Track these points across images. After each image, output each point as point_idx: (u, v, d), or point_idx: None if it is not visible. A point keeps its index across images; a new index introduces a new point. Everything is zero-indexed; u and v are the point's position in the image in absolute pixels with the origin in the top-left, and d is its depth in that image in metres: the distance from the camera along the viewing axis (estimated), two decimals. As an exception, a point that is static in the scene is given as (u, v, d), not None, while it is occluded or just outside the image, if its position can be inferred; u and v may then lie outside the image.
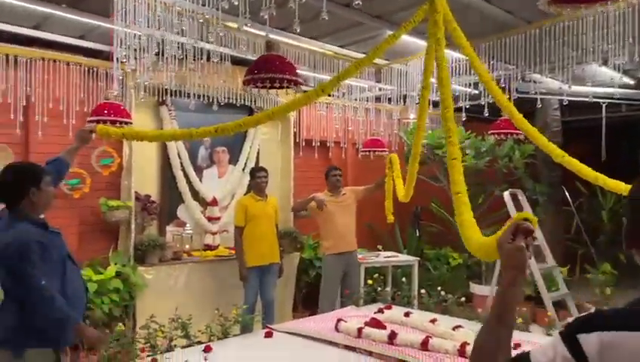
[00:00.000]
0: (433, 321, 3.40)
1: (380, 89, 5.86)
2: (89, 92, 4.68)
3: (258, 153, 5.97)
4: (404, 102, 5.79)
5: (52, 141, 4.35)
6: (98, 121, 3.15)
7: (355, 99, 6.13)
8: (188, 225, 5.42)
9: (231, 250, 5.49)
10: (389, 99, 6.00)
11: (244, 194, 5.40)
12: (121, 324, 3.17)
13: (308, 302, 6.03)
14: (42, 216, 2.46)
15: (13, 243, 2.19)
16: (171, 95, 4.79)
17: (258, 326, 4.31)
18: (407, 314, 3.60)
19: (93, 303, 4.34)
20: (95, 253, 4.82)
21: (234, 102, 5.13)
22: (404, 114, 6.31)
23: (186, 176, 5.45)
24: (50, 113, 4.48)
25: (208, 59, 4.03)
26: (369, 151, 5.76)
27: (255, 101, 5.42)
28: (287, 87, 2.83)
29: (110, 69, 4.23)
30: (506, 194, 5.45)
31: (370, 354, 2.99)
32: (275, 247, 4.96)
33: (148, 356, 2.91)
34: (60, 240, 2.37)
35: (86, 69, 4.68)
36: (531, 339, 3.14)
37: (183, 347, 3.34)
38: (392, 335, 3.08)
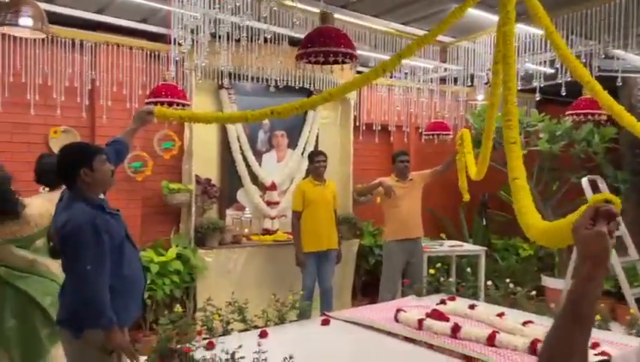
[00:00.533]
0: (500, 315, 3.22)
1: (445, 69, 5.62)
2: (151, 76, 4.78)
3: (317, 137, 5.91)
4: (472, 82, 5.51)
5: (116, 125, 4.48)
6: (156, 103, 3.19)
7: (419, 81, 5.91)
8: (247, 209, 5.46)
9: (289, 235, 5.48)
10: (455, 80, 5.74)
11: (303, 179, 5.38)
12: (179, 306, 3.22)
13: (367, 290, 5.94)
14: (102, 197, 2.50)
15: (67, 223, 2.22)
16: (230, 78, 4.80)
17: (316, 314, 4.29)
18: (472, 307, 3.43)
19: (155, 284, 4.47)
20: (157, 234, 4.96)
21: (292, 84, 5.08)
22: (472, 95, 6.03)
23: (245, 160, 5.48)
24: (114, 97, 4.62)
25: (265, 40, 3.99)
26: (433, 134, 5.55)
27: (314, 83, 5.34)
28: (343, 62, 2.70)
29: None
30: (585, 181, 5.09)
31: (430, 347, 2.87)
32: (334, 233, 4.90)
33: (204, 339, 2.94)
34: (118, 221, 2.39)
35: (148, 52, 4.77)
36: (611, 339, 2.91)
37: (240, 331, 3.37)
38: (455, 328, 2.94)
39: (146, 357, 2.74)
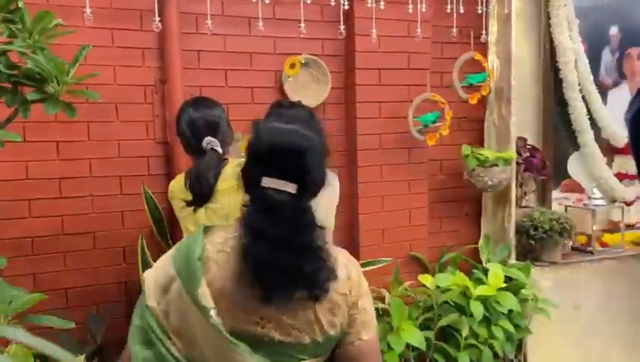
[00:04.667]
0: None
1: None
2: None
3: (703, 57, 3.57)
4: None
5: (389, 48, 2.65)
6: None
7: None
8: (594, 189, 3.36)
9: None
10: None
11: None
12: None
13: None
14: None
15: None
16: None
17: None
18: None
19: (476, 338, 2.67)
20: (447, 239, 3.15)
21: None
22: None
23: (585, 103, 3.37)
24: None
25: None
26: None
27: None
28: None
29: None
30: None
31: None
32: None
33: None
34: None
35: None
36: None
37: None
38: None
39: None
